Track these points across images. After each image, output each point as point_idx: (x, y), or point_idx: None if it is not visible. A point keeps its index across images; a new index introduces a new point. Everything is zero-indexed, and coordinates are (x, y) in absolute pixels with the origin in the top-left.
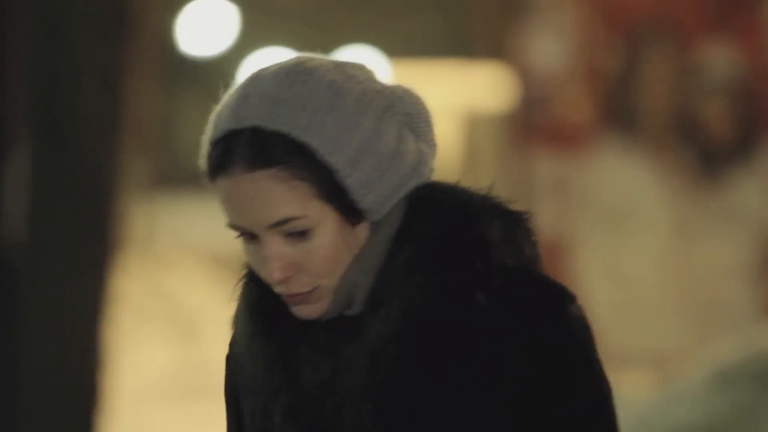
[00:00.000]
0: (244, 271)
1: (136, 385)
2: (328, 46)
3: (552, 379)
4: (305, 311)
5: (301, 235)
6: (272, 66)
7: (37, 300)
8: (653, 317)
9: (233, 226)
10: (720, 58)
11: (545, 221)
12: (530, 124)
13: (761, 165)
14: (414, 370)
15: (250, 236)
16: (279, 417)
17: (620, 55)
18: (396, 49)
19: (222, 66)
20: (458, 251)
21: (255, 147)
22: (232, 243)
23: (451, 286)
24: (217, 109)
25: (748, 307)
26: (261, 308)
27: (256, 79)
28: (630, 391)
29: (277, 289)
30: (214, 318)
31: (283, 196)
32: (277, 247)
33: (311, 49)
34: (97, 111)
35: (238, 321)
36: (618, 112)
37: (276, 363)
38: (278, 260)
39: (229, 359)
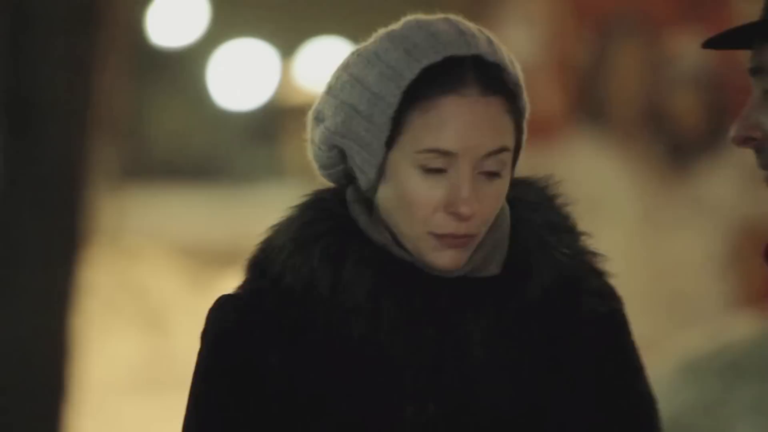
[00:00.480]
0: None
1: (105, 376)
2: (299, 37)
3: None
4: (450, 259)
5: (494, 175)
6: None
7: (5, 291)
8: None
9: (436, 150)
10: (690, 50)
11: None
12: None
13: (730, 157)
14: (555, 340)
15: (436, 170)
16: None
17: (591, 46)
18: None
19: (192, 57)
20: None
21: (488, 74)
22: (201, 235)
23: (583, 256)
24: (414, 38)
25: (716, 299)
26: (403, 286)
27: (452, 18)
28: None
29: (443, 229)
30: (183, 310)
31: (506, 125)
32: (474, 181)
33: (282, 39)
34: (67, 102)
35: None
36: (588, 104)
37: (425, 342)
38: (474, 193)
39: (240, 370)
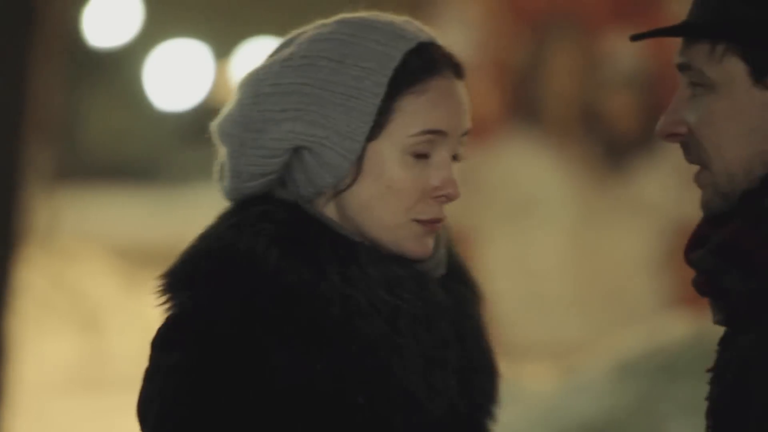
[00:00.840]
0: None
1: (39, 377)
2: (234, 38)
3: None
4: (427, 247)
5: (457, 158)
6: None
7: None
8: (558, 309)
9: (431, 131)
10: (625, 51)
11: (451, 213)
12: None
13: (664, 157)
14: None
15: (423, 155)
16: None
17: (526, 47)
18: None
19: (128, 58)
20: None
21: (452, 58)
22: (136, 236)
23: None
24: (381, 27)
25: (651, 299)
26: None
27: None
28: (534, 382)
29: (428, 214)
30: (118, 311)
31: (468, 108)
32: (453, 165)
33: (217, 40)
34: (1, 105)
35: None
36: (524, 104)
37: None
38: (455, 176)
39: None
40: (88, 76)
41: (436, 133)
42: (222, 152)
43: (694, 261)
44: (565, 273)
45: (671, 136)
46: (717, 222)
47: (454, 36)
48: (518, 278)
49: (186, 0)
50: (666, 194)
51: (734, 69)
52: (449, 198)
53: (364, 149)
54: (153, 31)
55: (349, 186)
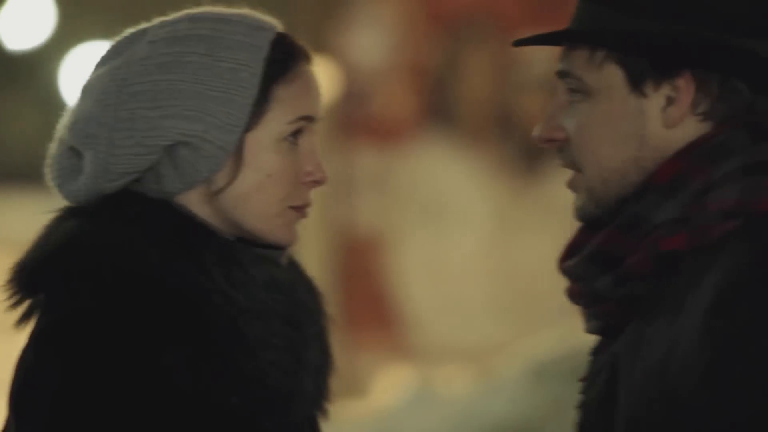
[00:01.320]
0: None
1: None
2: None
3: None
4: (296, 232)
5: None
6: None
7: None
8: (472, 312)
9: (306, 117)
10: (539, 54)
11: (365, 216)
12: (351, 119)
13: None
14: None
15: (294, 141)
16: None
17: (442, 49)
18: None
19: (44, 61)
20: None
21: (302, 46)
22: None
23: None
24: (238, 18)
25: (565, 302)
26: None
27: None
28: (449, 385)
29: (301, 200)
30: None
31: None
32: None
33: None
34: None
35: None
36: (439, 107)
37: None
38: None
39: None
40: (4, 79)
41: (308, 119)
42: (60, 154)
43: (568, 269)
44: (480, 276)
45: (549, 142)
46: (592, 230)
47: (369, 39)
48: (433, 281)
49: (100, 2)
50: None
51: (612, 76)
52: (319, 182)
53: (241, 140)
54: (68, 34)
55: (232, 181)
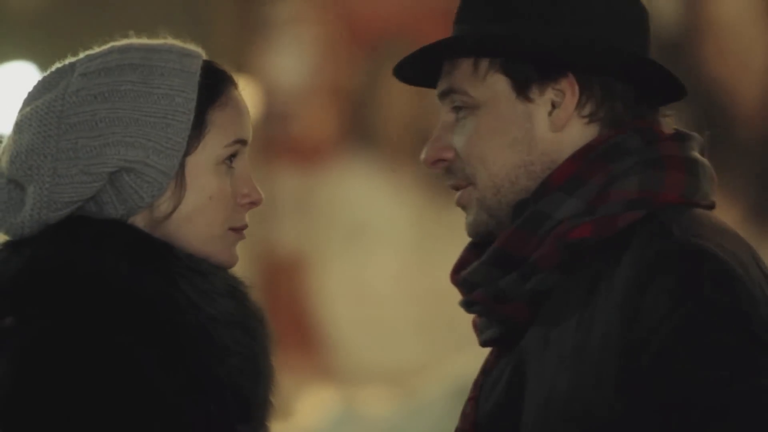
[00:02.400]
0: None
1: None
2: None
3: None
4: (236, 253)
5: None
6: None
7: None
8: (395, 333)
9: (240, 140)
10: None
11: (287, 238)
12: (272, 140)
13: None
14: None
15: (231, 160)
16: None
17: (362, 71)
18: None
19: None
20: None
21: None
22: None
23: None
24: (166, 46)
25: None
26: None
27: None
28: (372, 406)
29: (240, 222)
30: None
31: None
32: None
33: (50, 63)
34: None
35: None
36: (360, 129)
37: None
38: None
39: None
40: None
41: (242, 142)
42: (0, 188)
43: (464, 278)
44: (402, 297)
45: (438, 162)
46: (480, 248)
47: (289, 60)
48: (355, 302)
49: (18, 22)
50: None
51: (497, 84)
52: (256, 203)
53: (182, 165)
54: None
55: (177, 205)
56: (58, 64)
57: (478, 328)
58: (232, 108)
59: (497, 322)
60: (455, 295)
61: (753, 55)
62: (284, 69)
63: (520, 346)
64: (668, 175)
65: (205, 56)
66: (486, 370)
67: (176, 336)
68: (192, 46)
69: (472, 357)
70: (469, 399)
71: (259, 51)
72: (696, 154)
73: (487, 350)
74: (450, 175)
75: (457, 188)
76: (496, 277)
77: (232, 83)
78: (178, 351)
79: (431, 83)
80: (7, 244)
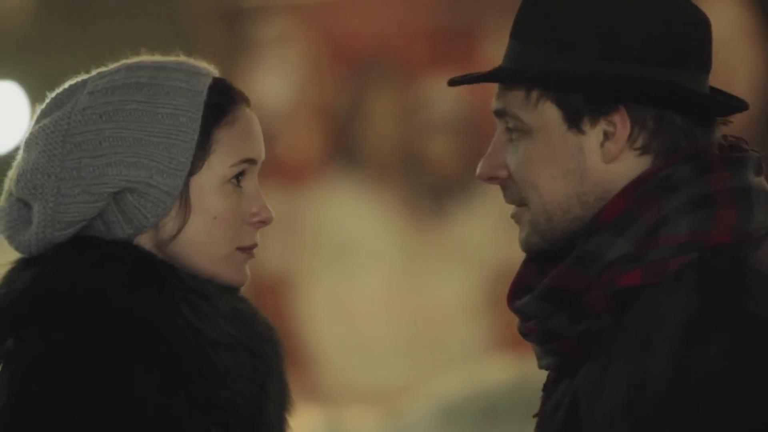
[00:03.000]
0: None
1: None
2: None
3: None
4: (246, 272)
5: None
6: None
7: None
8: (380, 352)
9: (248, 159)
10: (444, 95)
11: (272, 257)
12: None
13: (484, 201)
14: None
15: (238, 180)
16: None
17: (347, 90)
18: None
19: None
20: None
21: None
22: None
23: None
24: (175, 65)
25: (473, 343)
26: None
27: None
28: (358, 426)
29: (249, 241)
30: None
31: None
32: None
33: (32, 83)
34: None
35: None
36: (345, 148)
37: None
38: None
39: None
40: None
41: (250, 162)
42: (9, 206)
43: (520, 307)
44: (388, 317)
45: (492, 179)
46: (537, 265)
47: (274, 80)
48: (340, 322)
49: (2, 42)
50: (486, 238)
51: (549, 114)
52: (265, 222)
53: (186, 185)
54: None
55: (182, 226)
56: (71, 81)
57: (535, 354)
58: (240, 127)
59: (552, 353)
60: (440, 315)
61: (738, 74)
62: (269, 88)
63: (576, 384)
64: (719, 214)
65: (215, 74)
66: (548, 388)
67: (176, 360)
68: (203, 64)
69: (457, 377)
70: (536, 415)
71: (244, 70)
72: (750, 180)
73: (471, 370)
74: (506, 192)
75: (512, 203)
76: (548, 312)
77: (242, 102)
78: (178, 375)
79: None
80: (18, 261)
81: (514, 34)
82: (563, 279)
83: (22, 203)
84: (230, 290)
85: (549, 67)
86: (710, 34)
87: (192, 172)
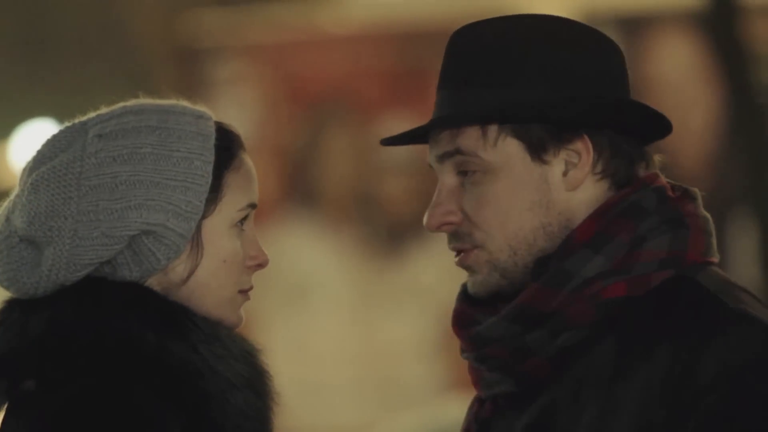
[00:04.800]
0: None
1: None
2: (12, 120)
3: None
4: (242, 315)
5: None
6: None
7: None
8: (336, 393)
9: (251, 205)
10: None
11: None
12: None
13: (438, 242)
14: None
15: (242, 223)
16: None
17: (303, 130)
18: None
19: None
20: None
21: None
22: None
23: None
24: (179, 107)
25: (427, 383)
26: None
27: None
28: None
29: (248, 284)
30: None
31: None
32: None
33: None
34: None
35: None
36: (301, 188)
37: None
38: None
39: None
40: None
41: (253, 206)
42: (11, 248)
43: (482, 331)
44: (344, 357)
45: (443, 226)
46: (478, 302)
47: (231, 119)
48: (296, 362)
49: (46, 81)
50: (442, 279)
51: (511, 149)
52: (262, 266)
53: (198, 228)
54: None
55: (194, 269)
56: (65, 124)
57: (484, 382)
58: (245, 171)
59: (514, 377)
60: (396, 355)
61: (692, 114)
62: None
63: (543, 402)
64: (692, 236)
65: (213, 117)
66: (481, 421)
67: (201, 403)
68: (201, 108)
69: (414, 416)
70: None
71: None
72: (705, 212)
73: (428, 410)
74: (455, 238)
75: (460, 251)
76: (517, 333)
77: (242, 146)
78: (203, 418)
79: (417, 141)
80: (13, 303)
81: (446, 85)
82: (537, 297)
83: (27, 245)
84: (238, 332)
85: (500, 103)
86: (624, 61)
87: (204, 216)
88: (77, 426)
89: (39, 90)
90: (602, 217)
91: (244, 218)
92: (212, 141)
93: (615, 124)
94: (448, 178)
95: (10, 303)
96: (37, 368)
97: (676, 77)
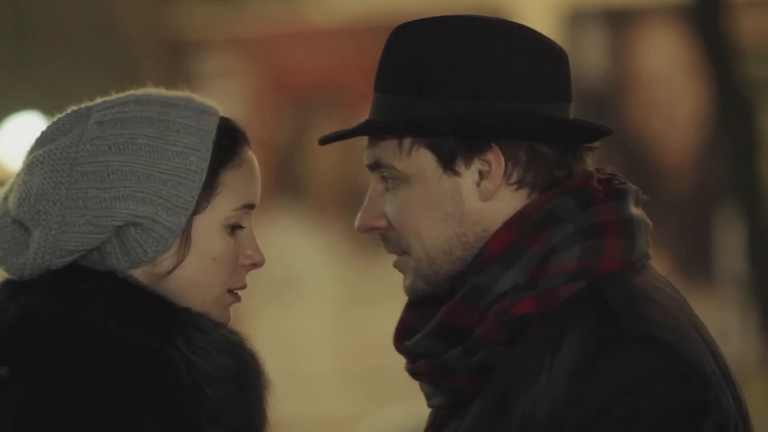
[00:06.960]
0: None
1: None
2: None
3: None
4: (230, 314)
5: None
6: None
7: None
8: (321, 386)
9: (250, 205)
10: None
11: None
12: None
13: None
14: None
15: (238, 225)
16: None
17: (290, 123)
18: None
19: None
20: None
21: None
22: None
23: None
24: (183, 100)
25: None
26: None
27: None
28: None
29: (240, 283)
30: None
31: None
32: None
33: None
34: None
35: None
36: (287, 181)
37: None
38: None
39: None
40: None
41: (251, 207)
42: (4, 227)
43: (409, 348)
44: (329, 349)
45: (372, 230)
46: (420, 308)
47: None
48: (283, 354)
49: (33, 74)
50: None
51: (423, 160)
52: (257, 265)
53: (189, 223)
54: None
55: (179, 263)
56: (74, 107)
57: (424, 394)
58: (245, 170)
59: (445, 390)
60: (381, 348)
61: (679, 108)
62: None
63: (473, 415)
64: (606, 243)
65: (221, 113)
66: (436, 425)
67: (172, 396)
68: (209, 102)
69: (400, 409)
70: None
71: None
72: (631, 212)
73: (414, 403)
74: (386, 241)
75: (393, 253)
76: (440, 350)
77: (246, 143)
78: (173, 409)
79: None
80: (7, 284)
81: (377, 87)
82: (454, 314)
83: (18, 226)
84: (223, 323)
85: (416, 114)
86: (568, 65)
87: (196, 212)
88: (43, 422)
89: (25, 83)
90: (516, 228)
91: (242, 216)
92: (212, 137)
93: (530, 133)
94: (375, 182)
95: (5, 284)
96: (10, 356)
97: (663, 71)
